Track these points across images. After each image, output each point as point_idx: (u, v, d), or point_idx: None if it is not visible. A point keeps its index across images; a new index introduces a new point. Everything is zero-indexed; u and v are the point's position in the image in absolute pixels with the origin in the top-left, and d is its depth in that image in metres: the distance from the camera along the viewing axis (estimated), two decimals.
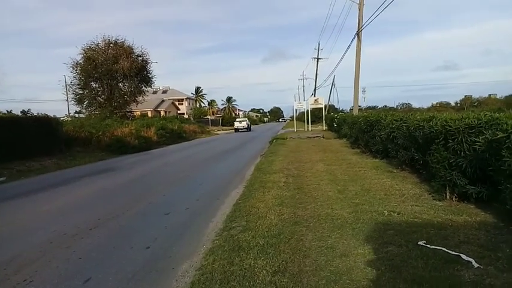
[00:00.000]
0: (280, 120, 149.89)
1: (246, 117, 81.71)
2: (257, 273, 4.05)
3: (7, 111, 38.63)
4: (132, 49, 38.81)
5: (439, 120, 6.90)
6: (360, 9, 23.00)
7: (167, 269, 4.60)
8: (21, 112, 21.29)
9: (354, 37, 23.71)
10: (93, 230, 6.39)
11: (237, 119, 59.66)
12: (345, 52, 49.39)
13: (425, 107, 78.51)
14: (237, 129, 50.75)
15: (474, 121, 6.09)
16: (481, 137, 5.47)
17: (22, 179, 13.44)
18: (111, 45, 38.35)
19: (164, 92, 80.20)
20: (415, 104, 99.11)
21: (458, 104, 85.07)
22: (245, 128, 50.74)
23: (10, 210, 8.60)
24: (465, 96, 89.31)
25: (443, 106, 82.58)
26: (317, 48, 57.69)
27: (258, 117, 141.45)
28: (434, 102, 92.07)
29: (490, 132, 5.37)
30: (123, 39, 38.77)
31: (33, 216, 7.80)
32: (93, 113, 38.07)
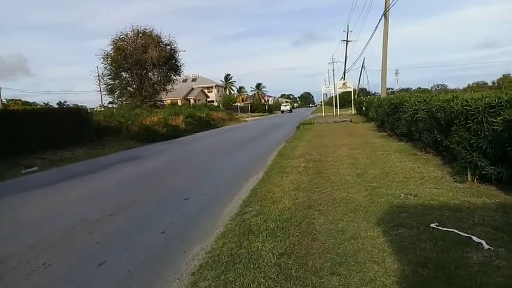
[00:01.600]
0: (310, 105, 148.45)
1: (288, 102, 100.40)
2: (263, 255, 4.10)
3: (44, 103, 40.09)
4: (161, 38, 39.39)
5: (459, 100, 6.67)
6: None
7: (179, 252, 4.71)
8: (57, 104, 22.11)
9: (381, 17, 23.07)
10: (114, 216, 6.61)
11: (283, 104, 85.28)
12: (372, 34, 48.40)
13: (462, 88, 75.68)
14: (283, 111, 74.34)
15: (495, 100, 5.85)
16: (498, 118, 5.25)
17: (53, 168, 13.98)
18: (139, 35, 39.01)
19: (194, 80, 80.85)
20: (451, 85, 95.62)
21: (496, 84, 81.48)
22: (289, 110, 75.28)
23: (37, 198, 8.99)
24: (503, 75, 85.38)
25: (480, 86, 79.35)
26: (346, 30, 56.55)
27: (287, 102, 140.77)
28: (471, 83, 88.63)
29: (507, 111, 5.15)
30: (151, 29, 39.43)
31: (58, 203, 8.13)
32: (124, 102, 38.96)
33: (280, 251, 4.17)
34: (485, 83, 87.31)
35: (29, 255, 5.00)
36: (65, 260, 4.76)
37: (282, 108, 78.11)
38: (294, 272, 3.68)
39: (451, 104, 6.91)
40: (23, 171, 13.19)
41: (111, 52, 37.64)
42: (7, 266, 4.68)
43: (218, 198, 7.33)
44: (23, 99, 53.11)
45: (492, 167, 5.74)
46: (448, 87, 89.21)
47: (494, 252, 3.66)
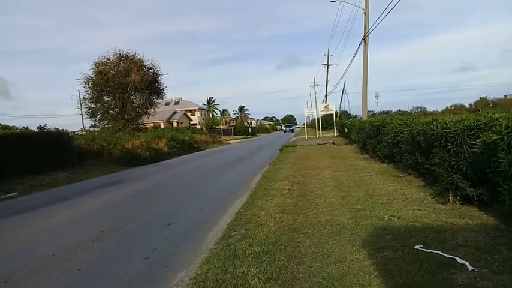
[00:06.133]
0: (285, 129, 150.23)
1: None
2: (249, 281, 4.05)
3: (23, 127, 39.51)
4: (143, 62, 39.41)
5: (439, 123, 6.82)
6: (366, 14, 22.96)
7: (163, 278, 4.62)
8: (37, 128, 21.83)
9: (361, 43, 23.67)
10: (96, 242, 6.46)
11: (285, 124, 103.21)
12: (353, 58, 49.35)
13: (440, 110, 77.14)
14: (285, 131, 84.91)
15: (473, 122, 6.00)
16: (477, 140, 5.38)
17: (33, 193, 13.65)
18: (122, 58, 39.05)
19: (176, 103, 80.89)
20: (430, 108, 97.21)
21: (473, 106, 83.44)
22: (290, 130, 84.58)
23: (17, 224, 8.74)
24: (480, 97, 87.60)
25: (458, 108, 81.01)
26: (327, 54, 57.63)
27: (270, 125, 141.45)
28: (449, 105, 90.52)
29: (486, 134, 5.28)
30: (133, 53, 39.46)
31: (39, 230, 7.92)
32: (106, 126, 38.61)
33: (266, 276, 4.13)
34: (462, 105, 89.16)
35: (8, 284, 4.83)
36: None
37: (284, 128, 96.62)
38: None
39: (431, 126, 7.06)
40: (2, 197, 12.84)
41: (92, 76, 37.49)
42: None
43: (202, 222, 7.25)
44: (2, 123, 52.23)
45: (473, 189, 5.84)
46: (427, 109, 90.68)
47: (478, 273, 3.70)
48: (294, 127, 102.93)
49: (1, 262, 5.84)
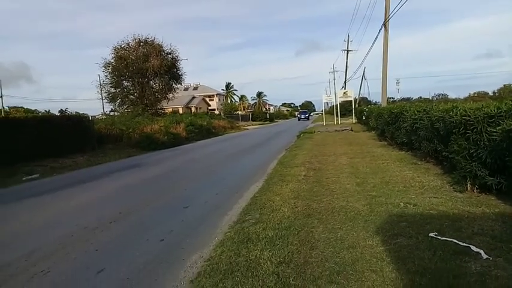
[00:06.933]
0: (311, 114, 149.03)
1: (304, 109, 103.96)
2: (261, 264, 4.10)
3: (45, 110, 40.36)
4: (162, 47, 39.53)
5: (458, 110, 6.69)
6: None
7: (178, 260, 4.71)
8: (59, 111, 22.27)
9: (381, 28, 23.20)
10: (113, 224, 6.61)
11: (299, 111, 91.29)
12: (373, 43, 48.94)
13: (462, 97, 75.47)
14: (299, 118, 73.23)
15: (494, 110, 5.87)
16: (497, 128, 5.27)
17: (54, 175, 14.00)
18: (141, 44, 39.20)
19: (195, 88, 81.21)
20: (452, 95, 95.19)
21: (496, 93, 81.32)
22: (306, 117, 72.97)
23: (38, 205, 8.99)
24: (504, 85, 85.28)
25: (480, 96, 78.98)
26: (346, 40, 56.75)
27: (288, 111, 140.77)
28: (472, 92, 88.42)
29: (506, 122, 5.17)
30: (153, 38, 39.59)
31: (59, 211, 8.14)
32: (125, 110, 39.07)
33: (278, 260, 4.17)
34: (485, 93, 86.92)
35: (28, 262, 5.00)
36: (64, 268, 4.76)
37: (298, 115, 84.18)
38: (292, 280, 3.68)
39: (450, 113, 6.94)
40: (24, 178, 13.22)
41: (112, 61, 37.84)
42: (6, 273, 4.68)
43: (218, 206, 7.33)
44: (25, 107, 53.44)
45: (491, 178, 5.74)
46: (449, 96, 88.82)
47: (492, 262, 3.66)
48: (312, 113, 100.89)
49: (22, 241, 6.06)
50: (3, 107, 51.19)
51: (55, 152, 17.08)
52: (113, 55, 37.94)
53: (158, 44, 39.31)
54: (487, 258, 3.75)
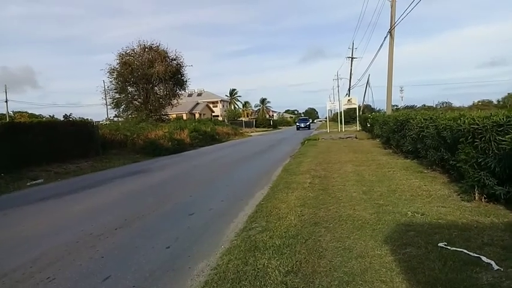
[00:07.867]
0: (314, 121, 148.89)
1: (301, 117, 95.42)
2: (269, 273, 4.06)
3: (50, 115, 40.52)
4: (167, 53, 39.75)
5: (466, 118, 6.65)
6: (392, 6, 22.50)
7: (184, 268, 4.68)
8: (63, 116, 22.38)
9: (387, 35, 23.25)
10: (119, 230, 6.59)
11: (298, 118, 77.91)
12: (378, 51, 48.84)
13: (467, 106, 75.27)
14: (298, 127, 60.41)
15: (503, 118, 5.83)
16: (507, 136, 5.23)
17: (58, 180, 14.01)
18: (146, 49, 39.41)
19: (199, 94, 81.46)
20: (456, 103, 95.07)
21: (501, 102, 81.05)
22: (306, 126, 59.82)
23: (42, 210, 8.99)
24: (508, 93, 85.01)
25: (485, 104, 78.91)
26: (351, 47, 56.82)
27: (292, 118, 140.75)
28: (476, 101, 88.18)
29: None
30: (158, 44, 39.81)
31: (63, 217, 8.12)
32: (130, 116, 39.19)
33: (286, 269, 4.13)
34: (490, 101, 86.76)
35: (33, 268, 4.98)
36: (69, 275, 4.72)
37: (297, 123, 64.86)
38: None
39: (458, 122, 6.90)
40: (29, 184, 13.22)
41: (117, 66, 38.03)
42: (11, 279, 4.66)
43: (223, 213, 7.30)
44: (29, 112, 53.71)
45: (500, 187, 5.69)
46: (453, 104, 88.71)
47: (504, 273, 3.62)
48: (315, 121, 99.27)
49: (27, 247, 6.02)
50: (8, 112, 51.47)
51: (59, 157, 17.09)
52: (117, 61, 38.18)
53: (163, 50, 39.55)
54: (498, 269, 3.70)
